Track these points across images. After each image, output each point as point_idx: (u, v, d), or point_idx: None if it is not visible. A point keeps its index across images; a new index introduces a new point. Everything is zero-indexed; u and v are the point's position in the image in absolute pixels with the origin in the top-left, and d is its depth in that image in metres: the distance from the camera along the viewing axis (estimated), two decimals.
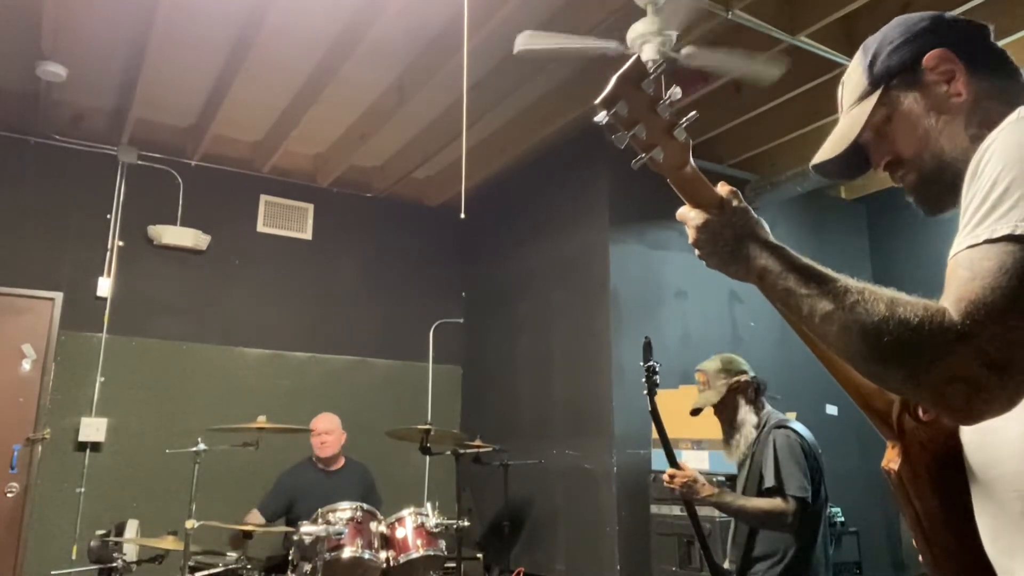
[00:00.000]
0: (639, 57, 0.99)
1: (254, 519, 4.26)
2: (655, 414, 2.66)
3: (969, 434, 0.94)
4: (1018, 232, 0.76)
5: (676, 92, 1.00)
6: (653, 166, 1.03)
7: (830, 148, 1.12)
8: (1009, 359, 0.74)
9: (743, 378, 2.74)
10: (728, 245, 0.99)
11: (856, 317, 0.81)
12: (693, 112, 1.02)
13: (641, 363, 2.71)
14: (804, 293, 0.89)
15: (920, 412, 0.99)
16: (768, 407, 2.77)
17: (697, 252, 1.03)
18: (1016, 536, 0.87)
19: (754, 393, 2.75)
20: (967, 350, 0.74)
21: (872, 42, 1.10)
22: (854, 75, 1.11)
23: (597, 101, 0.99)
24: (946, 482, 0.95)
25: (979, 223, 0.80)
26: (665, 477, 2.69)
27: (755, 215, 1.01)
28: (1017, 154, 0.81)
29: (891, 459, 1.00)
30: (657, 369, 2.70)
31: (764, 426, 2.68)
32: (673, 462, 2.67)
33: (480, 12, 3.60)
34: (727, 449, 2.76)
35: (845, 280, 0.86)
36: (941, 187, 1.01)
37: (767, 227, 1.01)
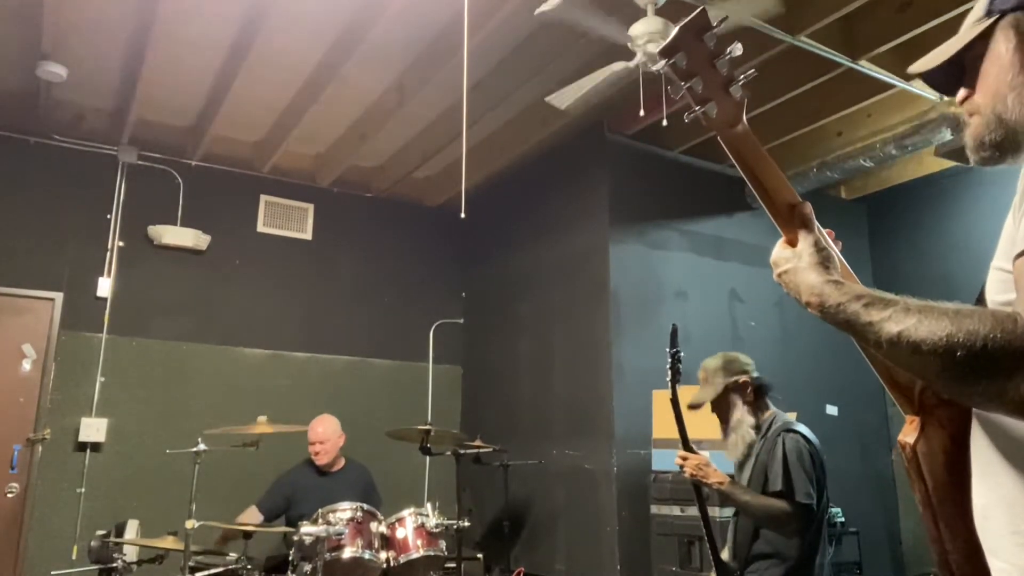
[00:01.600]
0: (704, 9, 0.99)
1: (251, 516, 4.26)
2: (675, 401, 2.66)
3: (978, 415, 0.94)
4: None
5: (737, 48, 0.99)
6: (705, 121, 1.03)
7: (928, 60, 1.06)
8: None
9: (741, 378, 2.73)
10: (789, 286, 1.02)
11: (923, 337, 0.78)
12: (752, 70, 1.02)
13: (668, 348, 2.69)
14: (866, 322, 0.87)
15: None
16: (773, 409, 2.77)
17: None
18: (1003, 518, 0.88)
19: (753, 394, 2.74)
20: None
21: None
22: None
23: (658, 50, 1.00)
24: (959, 461, 0.96)
25: None
26: (677, 460, 2.69)
27: (823, 247, 1.01)
28: None
29: (908, 433, 1.00)
30: (681, 358, 2.69)
31: (769, 428, 2.68)
32: (687, 447, 2.68)
33: (480, 12, 3.60)
34: (725, 447, 2.77)
35: (905, 300, 0.84)
36: (992, 144, 0.97)
37: (834, 258, 1.01)
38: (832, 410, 5.08)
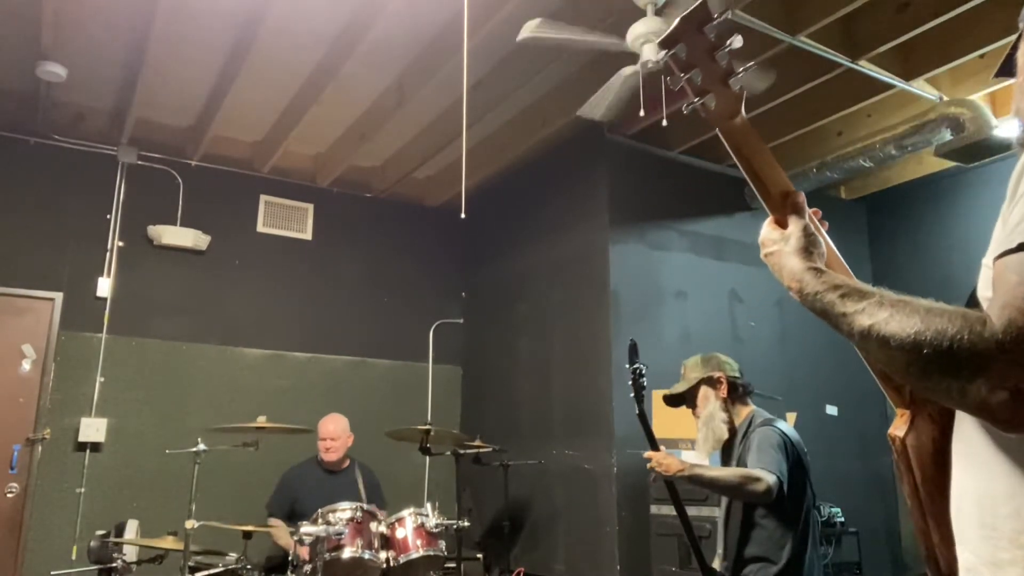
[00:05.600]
0: (705, 1, 0.98)
1: (280, 526, 4.23)
2: (643, 417, 2.67)
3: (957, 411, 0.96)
4: None
5: (738, 40, 0.99)
6: (703, 112, 1.03)
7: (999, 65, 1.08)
8: None
9: (716, 374, 2.75)
10: (774, 268, 1.03)
11: (892, 332, 0.79)
12: (752, 63, 1.02)
13: (627, 366, 2.70)
14: (840, 312, 0.88)
15: None
16: (753, 407, 2.78)
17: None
18: (973, 510, 0.89)
19: (728, 391, 2.75)
20: (1011, 358, 0.71)
21: None
22: None
23: (658, 40, 0.99)
24: (947, 454, 0.97)
25: None
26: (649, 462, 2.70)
27: (811, 232, 1.02)
28: None
29: (898, 426, 1.01)
30: (643, 372, 2.69)
31: (749, 427, 2.69)
32: (654, 448, 2.71)
33: (480, 12, 3.60)
34: (696, 442, 2.78)
35: (881, 294, 0.85)
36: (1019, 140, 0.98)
37: (821, 244, 1.02)
38: (832, 410, 5.08)
